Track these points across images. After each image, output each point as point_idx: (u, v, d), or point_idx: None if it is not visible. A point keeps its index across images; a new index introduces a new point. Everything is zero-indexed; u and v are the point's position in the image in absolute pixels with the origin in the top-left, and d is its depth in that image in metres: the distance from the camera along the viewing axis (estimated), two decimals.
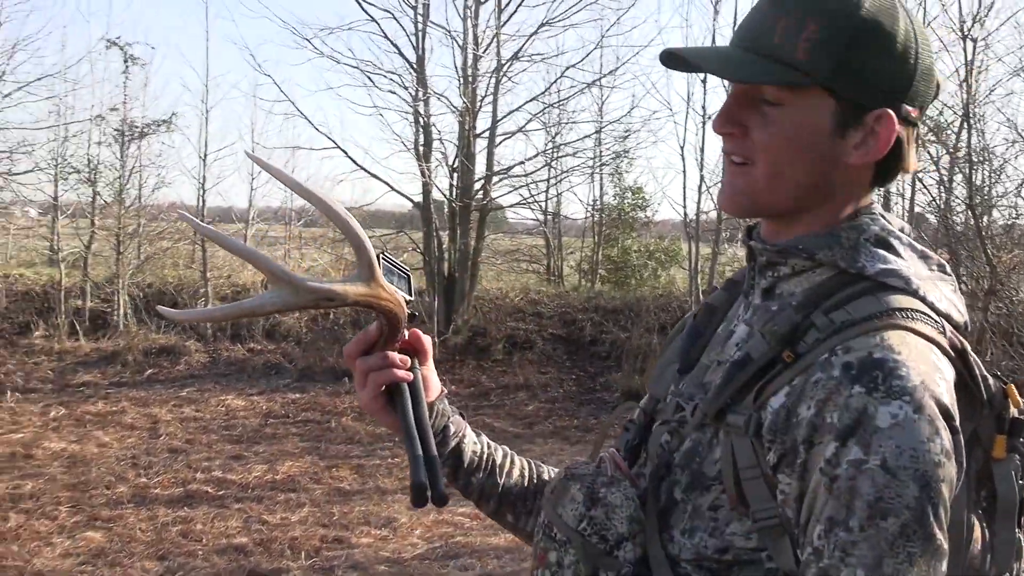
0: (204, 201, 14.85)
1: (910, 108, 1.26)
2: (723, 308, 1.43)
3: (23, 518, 6.61)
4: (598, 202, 17.60)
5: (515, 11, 12.97)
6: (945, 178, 12.33)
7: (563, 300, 13.83)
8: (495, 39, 12.59)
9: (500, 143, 13.43)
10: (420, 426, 1.41)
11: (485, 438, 1.58)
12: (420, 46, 12.61)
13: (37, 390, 10.75)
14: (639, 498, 1.26)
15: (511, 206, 15.20)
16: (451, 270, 12.69)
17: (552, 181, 16.07)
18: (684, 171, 14.90)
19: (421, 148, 12.56)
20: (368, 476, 7.80)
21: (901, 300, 1.21)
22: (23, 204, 17.39)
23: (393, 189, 12.97)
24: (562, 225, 18.30)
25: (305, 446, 8.74)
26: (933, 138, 12.26)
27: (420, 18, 12.69)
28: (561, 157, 14.92)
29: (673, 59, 1.28)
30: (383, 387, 1.42)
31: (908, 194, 11.65)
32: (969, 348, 1.25)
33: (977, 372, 1.24)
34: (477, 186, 12.87)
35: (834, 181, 1.27)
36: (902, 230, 1.31)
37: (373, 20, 12.55)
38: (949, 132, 12.45)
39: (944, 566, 1.09)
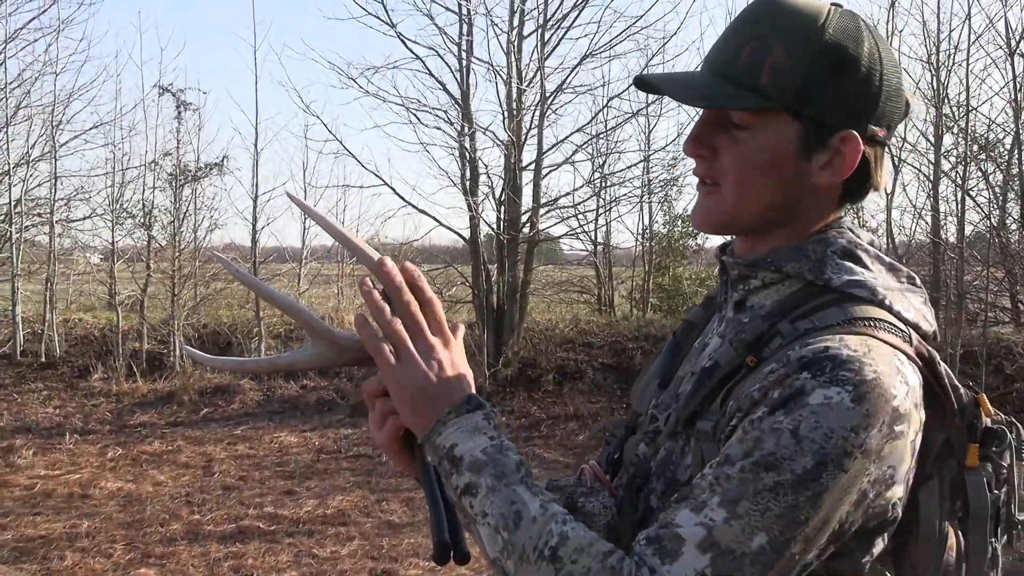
0: (256, 242, 15.00)
1: (877, 128, 1.30)
2: (700, 324, 1.49)
3: (79, 556, 6.71)
4: (648, 231, 17.59)
5: (558, 44, 13.06)
6: (999, 196, 12.18)
7: (613, 329, 13.80)
8: (539, 72, 12.66)
9: (546, 175, 13.48)
10: (441, 479, 1.35)
11: None
12: (464, 82, 12.73)
13: (95, 431, 10.92)
14: (616, 507, 1.29)
15: (559, 237, 15.25)
16: (500, 302, 12.72)
17: (600, 211, 16.11)
18: None
19: (468, 182, 12.65)
20: (417, 509, 7.82)
21: (867, 310, 1.25)
22: (85, 250, 17.76)
23: (441, 224, 13.06)
24: (612, 254, 18.30)
25: (356, 480, 8.78)
26: (984, 156, 12.13)
27: (464, 54, 12.82)
28: (609, 187, 14.95)
29: (645, 85, 1.33)
30: (403, 431, 1.37)
31: (958, 213, 11.45)
32: (938, 357, 1.28)
33: (947, 381, 1.26)
34: (524, 218, 12.92)
35: (802, 200, 1.32)
36: (871, 243, 1.35)
37: (418, 58, 12.70)
38: (1001, 149, 12.31)
39: (793, 545, 1.10)
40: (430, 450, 1.27)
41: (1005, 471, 1.29)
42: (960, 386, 1.28)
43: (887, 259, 1.35)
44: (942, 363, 1.28)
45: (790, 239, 1.33)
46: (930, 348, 1.28)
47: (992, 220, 12.05)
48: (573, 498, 1.31)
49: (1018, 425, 1.30)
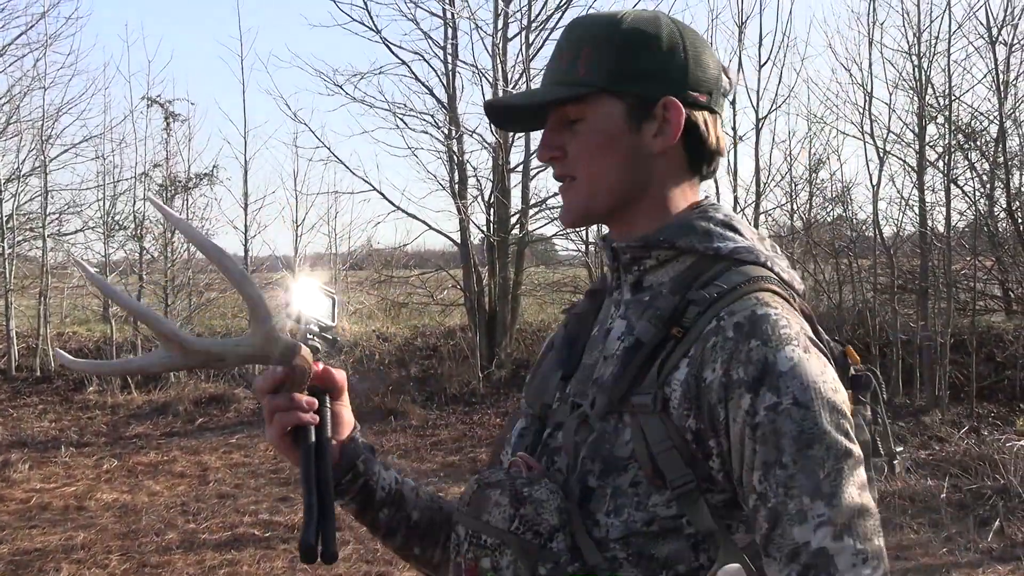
0: (248, 250, 15.04)
1: (696, 94, 1.42)
2: (591, 314, 1.56)
3: (75, 568, 6.74)
4: None
5: (542, 45, 13.09)
6: (986, 184, 12.24)
7: None
8: (524, 74, 12.71)
9: (535, 175, 13.51)
10: (320, 475, 1.43)
11: (394, 473, 1.62)
12: (451, 85, 12.79)
13: (91, 444, 10.94)
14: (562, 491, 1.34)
15: (549, 237, 15.25)
16: (492, 304, 12.76)
17: None
18: (717, 192, 14.77)
19: (456, 186, 12.69)
20: None
21: (758, 270, 1.38)
22: (79, 264, 17.77)
23: (431, 228, 13.12)
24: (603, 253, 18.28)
25: None
26: (969, 145, 12.19)
27: (449, 58, 12.87)
28: None
29: (493, 110, 1.53)
30: (288, 428, 1.46)
31: (945, 203, 11.49)
32: (811, 311, 1.44)
33: (822, 333, 1.40)
34: (514, 219, 12.96)
35: (648, 171, 1.44)
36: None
37: (404, 63, 12.75)
38: (987, 138, 12.36)
39: (863, 470, 1.23)
40: None
41: (873, 413, 1.44)
42: (829, 339, 1.42)
43: (753, 230, 1.48)
44: (813, 316, 1.43)
45: (655, 212, 1.45)
46: (804, 304, 1.43)
47: (979, 209, 12.11)
48: (515, 488, 1.33)
49: (876, 372, 1.44)
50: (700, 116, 1.43)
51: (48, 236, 15.16)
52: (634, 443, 1.31)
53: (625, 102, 1.40)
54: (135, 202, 15.49)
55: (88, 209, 16.29)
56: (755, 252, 1.40)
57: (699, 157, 1.46)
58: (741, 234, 1.43)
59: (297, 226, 17.91)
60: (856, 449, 1.22)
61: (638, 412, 1.31)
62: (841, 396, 1.25)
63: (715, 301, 1.32)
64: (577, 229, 15.88)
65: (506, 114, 1.55)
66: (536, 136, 12.75)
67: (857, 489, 1.20)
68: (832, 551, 1.16)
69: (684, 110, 1.40)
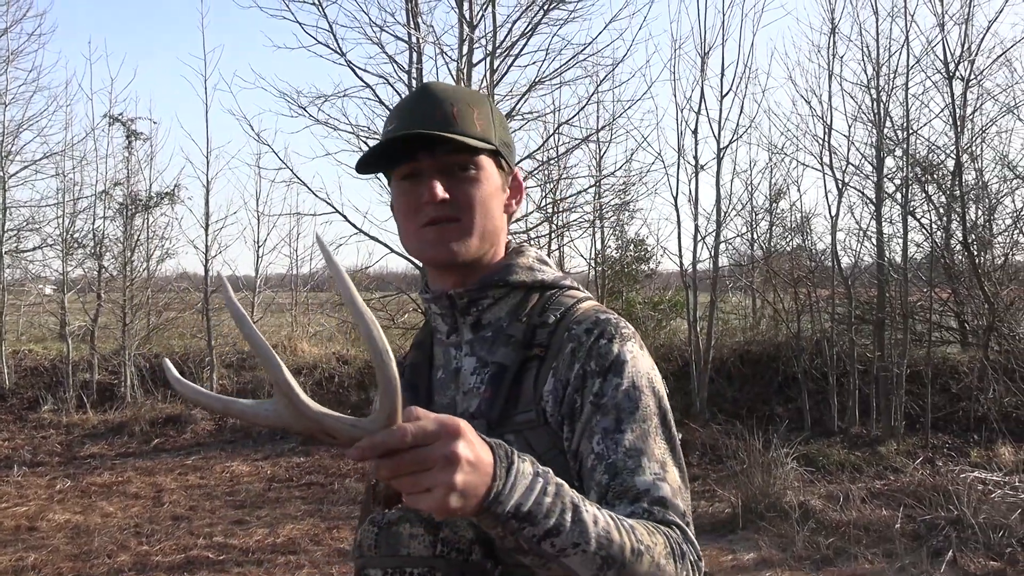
0: (208, 271, 14.93)
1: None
2: (425, 363, 1.71)
3: None
4: (600, 255, 17.68)
5: (507, 72, 13.08)
6: (943, 217, 12.39)
7: None
8: (489, 99, 12.74)
9: None
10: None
11: None
12: None
13: (44, 463, 10.82)
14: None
15: None
16: None
17: (552, 236, 16.16)
18: (678, 221, 14.96)
19: None
20: None
21: (579, 292, 1.66)
22: (37, 281, 17.59)
23: (393, 251, 13.02)
24: None
25: (308, 508, 8.76)
26: (926, 178, 12.34)
27: (414, 82, 12.86)
28: (560, 212, 15.01)
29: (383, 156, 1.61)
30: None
31: (902, 234, 11.63)
32: None
33: None
34: None
35: (500, 228, 1.66)
36: None
37: (368, 86, 12.70)
38: (944, 171, 12.52)
39: (677, 442, 1.50)
40: (489, 519, 1.20)
41: None
42: None
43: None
44: None
45: (491, 261, 1.65)
46: None
47: (936, 241, 12.25)
48: (426, 517, 1.41)
49: None
50: None
51: (5, 253, 14.98)
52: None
53: (500, 166, 1.64)
54: (95, 220, 15.38)
55: (47, 226, 16.15)
56: (567, 279, 1.68)
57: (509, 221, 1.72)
58: (550, 266, 1.69)
59: (259, 247, 17.87)
60: (673, 427, 1.50)
61: (523, 428, 1.50)
62: (662, 386, 1.53)
63: (560, 320, 1.57)
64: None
65: (383, 153, 1.61)
66: None
67: (672, 455, 1.46)
68: (664, 493, 1.41)
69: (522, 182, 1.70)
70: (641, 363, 1.51)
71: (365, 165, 1.60)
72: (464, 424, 1.13)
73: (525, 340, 1.56)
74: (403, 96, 1.73)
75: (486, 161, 1.60)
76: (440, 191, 1.55)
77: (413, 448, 1.09)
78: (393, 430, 1.09)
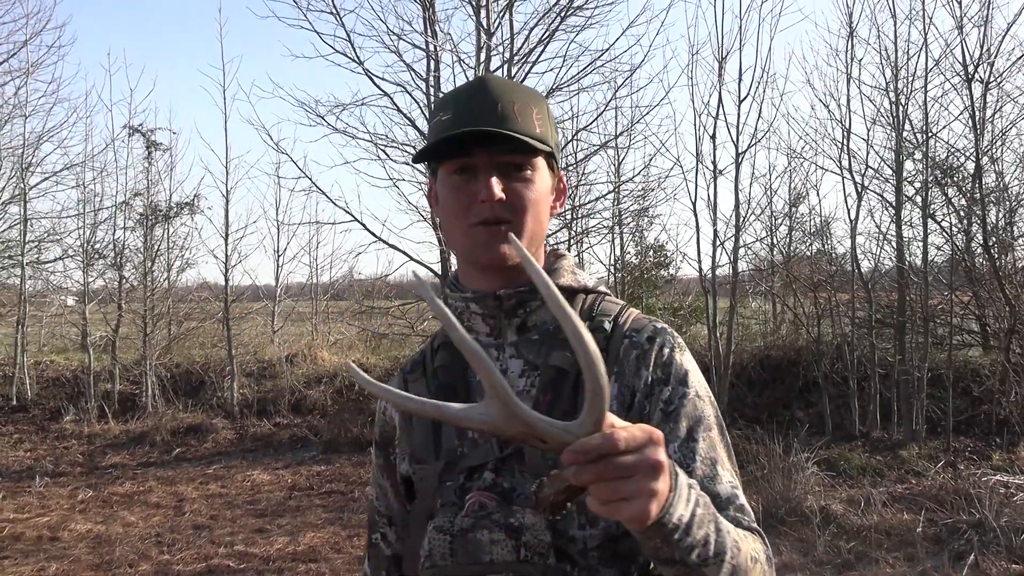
0: (229, 280, 14.99)
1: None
2: (458, 364, 1.63)
3: None
4: (619, 261, 17.66)
5: (524, 78, 13.11)
6: (964, 221, 12.32)
7: None
8: None
9: None
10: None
11: None
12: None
13: (66, 474, 10.87)
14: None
15: None
16: None
17: (571, 242, 16.17)
18: (697, 226, 14.88)
19: (437, 217, 12.69)
20: None
21: (616, 298, 1.68)
22: (59, 292, 17.71)
23: (411, 259, 13.06)
24: None
25: (328, 517, 8.77)
26: (946, 181, 12.28)
27: (432, 90, 12.89)
28: (579, 218, 15.00)
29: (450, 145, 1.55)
30: None
31: (922, 238, 11.57)
32: None
33: None
34: None
35: (545, 231, 1.64)
36: None
37: (386, 95, 12.74)
38: (964, 174, 12.46)
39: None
40: (657, 528, 1.18)
41: None
42: None
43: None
44: None
45: (538, 262, 1.63)
46: None
47: (956, 244, 12.18)
48: (506, 523, 1.42)
49: None
50: None
51: (27, 264, 15.10)
52: None
53: (550, 167, 1.62)
54: (115, 230, 15.46)
55: (68, 237, 16.25)
56: (602, 285, 1.70)
57: None
58: (584, 272, 1.71)
59: (278, 256, 17.97)
60: (727, 434, 1.56)
61: None
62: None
63: (615, 324, 1.60)
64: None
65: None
66: None
67: (733, 463, 1.53)
68: (743, 500, 1.47)
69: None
70: (698, 372, 1.57)
71: (419, 155, 1.56)
72: (660, 432, 1.13)
73: None
74: (454, 88, 1.59)
75: (540, 162, 1.57)
76: (498, 191, 1.51)
77: (623, 454, 1.08)
78: (608, 434, 1.08)
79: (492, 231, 1.53)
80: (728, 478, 1.47)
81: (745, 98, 12.25)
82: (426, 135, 1.64)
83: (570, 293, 1.63)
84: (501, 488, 1.49)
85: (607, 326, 1.58)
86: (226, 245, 14.75)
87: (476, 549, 1.39)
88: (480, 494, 1.47)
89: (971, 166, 11.80)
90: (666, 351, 1.55)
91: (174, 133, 22.15)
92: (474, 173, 1.53)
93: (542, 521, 1.40)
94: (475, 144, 1.51)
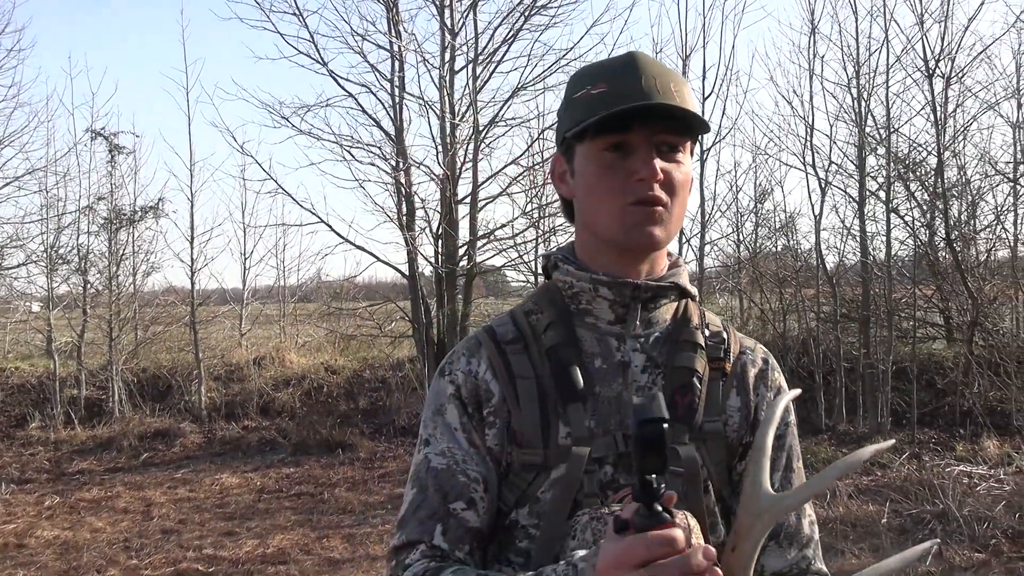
0: (195, 283, 14.91)
1: None
2: (571, 345, 1.52)
3: None
4: None
5: (489, 78, 13.13)
6: (927, 215, 12.44)
7: None
8: (471, 106, 12.76)
9: (483, 207, 13.53)
10: None
11: None
12: (398, 117, 12.78)
13: (33, 480, 10.79)
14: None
15: (498, 269, 15.27)
16: (440, 336, 12.74)
17: (538, 241, 16.20)
18: None
19: (404, 217, 12.66)
20: (359, 544, 7.82)
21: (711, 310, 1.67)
22: (24, 299, 17.54)
23: (379, 259, 13.06)
24: None
25: (297, 519, 8.75)
26: (909, 175, 12.40)
27: (397, 91, 12.88)
28: (546, 217, 15.01)
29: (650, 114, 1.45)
30: None
31: (885, 232, 11.69)
32: None
33: None
34: (462, 251, 12.97)
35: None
36: None
37: (351, 95, 12.72)
38: (926, 168, 12.58)
39: None
40: None
41: None
42: None
43: None
44: None
45: (663, 255, 1.58)
46: None
47: (919, 238, 12.31)
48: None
49: None
50: None
51: None
52: (706, 468, 1.47)
53: (692, 151, 1.54)
54: (79, 235, 15.33)
55: (31, 243, 16.09)
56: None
57: None
58: None
59: (245, 259, 17.89)
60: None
61: (708, 437, 1.48)
62: None
63: (729, 340, 1.58)
64: (525, 260, 15.94)
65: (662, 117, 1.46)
66: (480, 166, 12.72)
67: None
68: (817, 538, 1.56)
69: None
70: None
71: (581, 131, 1.46)
72: None
73: (715, 352, 1.54)
74: (595, 61, 1.39)
75: (689, 145, 1.50)
76: (656, 171, 1.43)
77: None
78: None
79: (648, 212, 1.45)
80: (809, 512, 1.54)
81: (709, 95, 12.31)
82: (569, 109, 1.51)
83: (682, 296, 1.58)
84: (618, 484, 1.43)
85: (726, 337, 1.57)
86: (192, 248, 14.68)
87: None
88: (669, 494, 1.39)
89: (933, 161, 11.93)
90: (777, 375, 1.59)
91: (137, 136, 22.01)
92: (630, 151, 1.45)
93: (698, 524, 1.31)
94: (634, 120, 1.43)
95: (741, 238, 14.98)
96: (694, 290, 1.59)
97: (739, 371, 1.55)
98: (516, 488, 1.45)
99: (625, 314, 1.52)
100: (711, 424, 1.47)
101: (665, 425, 1.06)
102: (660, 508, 1.10)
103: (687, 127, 1.45)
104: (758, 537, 1.18)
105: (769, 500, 1.19)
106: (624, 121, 1.43)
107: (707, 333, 1.55)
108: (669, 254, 1.59)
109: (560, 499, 1.41)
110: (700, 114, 1.44)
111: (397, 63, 12.89)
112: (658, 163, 1.43)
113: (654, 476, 1.09)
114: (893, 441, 1.51)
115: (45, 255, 15.22)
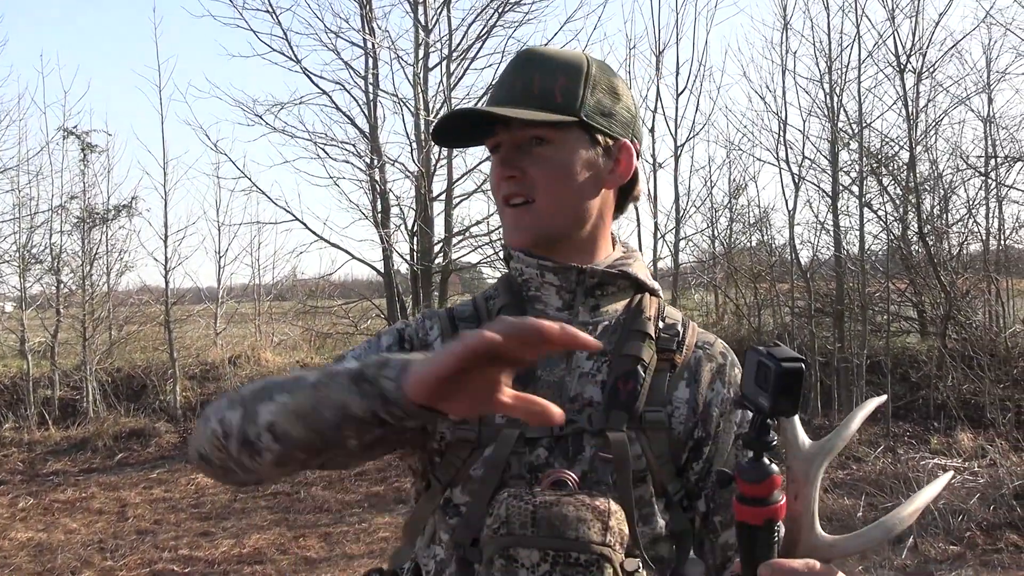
0: (169, 282, 14.82)
1: (638, 143, 1.58)
2: None
3: None
4: None
5: (463, 75, 13.13)
6: (900, 209, 12.52)
7: None
8: (446, 103, 12.74)
9: (458, 204, 13.52)
10: None
11: None
12: (372, 115, 12.75)
13: (6, 482, 10.70)
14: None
15: (473, 265, 15.26)
16: None
17: None
18: (638, 219, 14.96)
19: (379, 215, 12.64)
20: (335, 543, 7.80)
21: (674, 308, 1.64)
22: None
23: (354, 257, 13.05)
24: None
25: (274, 518, 8.72)
26: (882, 170, 12.48)
27: (371, 88, 12.85)
28: None
29: (452, 118, 1.52)
30: None
31: (859, 227, 11.76)
32: None
33: None
34: (437, 248, 12.96)
35: (593, 206, 1.54)
36: None
37: (324, 93, 12.68)
38: (899, 163, 12.67)
39: None
40: None
41: None
42: None
43: None
44: None
45: (590, 244, 1.56)
46: None
47: (893, 232, 12.38)
48: (593, 505, 1.35)
49: None
50: (638, 164, 1.58)
51: None
52: (645, 457, 1.44)
53: (591, 137, 1.50)
54: (52, 235, 15.21)
55: (3, 242, 15.96)
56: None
57: (624, 200, 1.63)
58: None
59: (220, 257, 17.79)
60: None
61: (649, 427, 1.45)
62: None
63: (683, 330, 1.56)
64: (500, 256, 15.90)
65: (452, 127, 1.53)
66: (455, 162, 12.69)
67: None
68: None
69: (635, 154, 1.55)
70: None
71: (443, 137, 1.53)
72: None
73: (659, 341, 1.52)
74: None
75: (566, 133, 1.48)
76: (505, 168, 1.49)
77: None
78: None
79: (513, 212, 1.51)
80: None
81: (683, 91, 12.35)
82: None
83: (636, 289, 1.58)
84: (551, 467, 1.42)
85: (679, 330, 1.55)
86: (166, 247, 14.58)
87: (562, 524, 1.30)
88: (560, 471, 1.40)
89: (905, 155, 12.02)
90: (737, 372, 1.55)
91: (110, 135, 21.87)
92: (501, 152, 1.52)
93: (621, 511, 1.34)
94: (497, 123, 1.49)
95: (716, 233, 15.06)
96: (653, 284, 1.59)
97: (693, 364, 1.53)
98: (451, 466, 1.46)
99: (572, 300, 1.54)
100: (653, 414, 1.46)
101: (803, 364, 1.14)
102: (768, 461, 1.19)
103: (541, 123, 1.46)
104: (814, 479, 1.23)
105: (812, 447, 1.25)
106: (493, 126, 1.49)
107: (662, 325, 1.55)
108: (624, 244, 1.63)
109: (486, 478, 1.43)
110: (552, 106, 1.45)
111: (371, 60, 12.87)
112: (502, 162, 1.49)
113: (776, 423, 1.18)
114: (886, 396, 1.57)
115: (18, 255, 15.09)
